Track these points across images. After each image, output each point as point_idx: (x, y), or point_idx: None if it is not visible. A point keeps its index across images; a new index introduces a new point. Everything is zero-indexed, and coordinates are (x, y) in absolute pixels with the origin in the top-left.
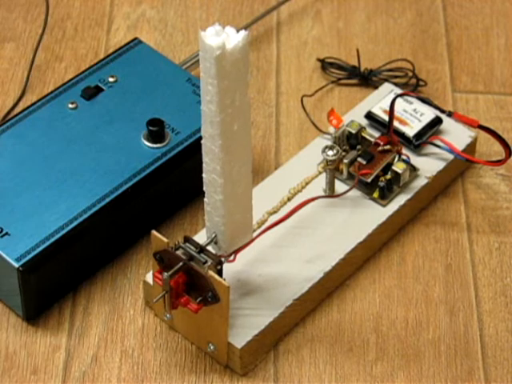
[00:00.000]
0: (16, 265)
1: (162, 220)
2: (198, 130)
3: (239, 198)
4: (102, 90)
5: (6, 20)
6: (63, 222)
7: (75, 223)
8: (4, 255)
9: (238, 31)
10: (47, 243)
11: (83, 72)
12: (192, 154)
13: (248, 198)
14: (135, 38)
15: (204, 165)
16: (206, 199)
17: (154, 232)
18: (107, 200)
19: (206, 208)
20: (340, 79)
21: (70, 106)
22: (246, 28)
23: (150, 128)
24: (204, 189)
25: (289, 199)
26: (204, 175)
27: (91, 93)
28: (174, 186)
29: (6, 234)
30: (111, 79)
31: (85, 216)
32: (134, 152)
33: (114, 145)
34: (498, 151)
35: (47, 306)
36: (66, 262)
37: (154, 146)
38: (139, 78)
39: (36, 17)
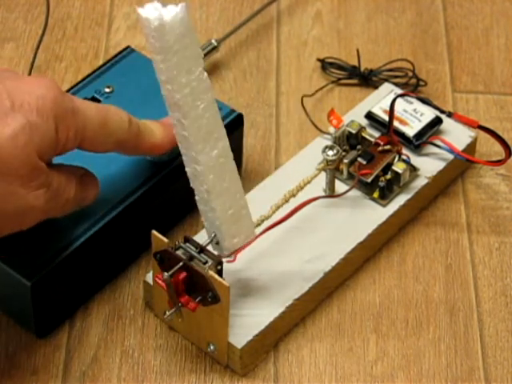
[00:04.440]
0: (28, 283)
1: (168, 228)
2: None
3: (225, 189)
4: (98, 101)
5: (6, 20)
6: (72, 238)
7: (84, 238)
8: (15, 273)
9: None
10: (57, 259)
11: (78, 83)
12: None
13: (236, 191)
14: (127, 47)
15: (183, 157)
16: (196, 197)
17: (154, 232)
18: (114, 213)
19: (199, 207)
20: (340, 79)
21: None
22: (244, 23)
23: None
24: (191, 185)
25: (286, 200)
26: (186, 169)
27: None
28: (177, 194)
29: (16, 251)
30: (107, 89)
31: (93, 230)
32: (137, 163)
33: (116, 157)
34: (498, 151)
35: (59, 322)
36: (77, 277)
37: (157, 156)
38: (135, 86)
39: (36, 17)
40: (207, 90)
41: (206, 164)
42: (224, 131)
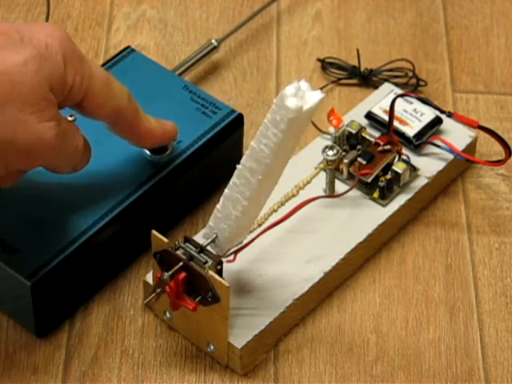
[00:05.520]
0: (28, 282)
1: (168, 228)
2: (200, 138)
3: (254, 215)
4: None
5: (6, 20)
6: (72, 237)
7: (84, 238)
8: (15, 273)
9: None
10: (58, 259)
11: None
12: (195, 162)
13: (260, 209)
14: (128, 47)
15: (231, 183)
16: (218, 206)
17: (154, 232)
18: (114, 213)
19: (215, 213)
20: (340, 79)
21: (69, 118)
22: (244, 23)
23: None
24: (221, 198)
25: (286, 200)
26: (227, 190)
27: None
28: (178, 194)
29: (16, 251)
30: None
31: (93, 230)
32: (138, 163)
33: (116, 157)
34: (497, 151)
35: (59, 322)
36: (78, 277)
37: (158, 156)
38: (135, 87)
39: (36, 17)
40: (291, 152)
41: (252, 203)
42: (281, 176)
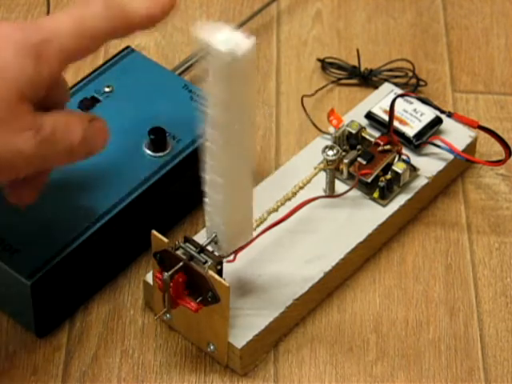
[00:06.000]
0: (28, 282)
1: (169, 227)
2: (200, 137)
3: (240, 198)
4: (98, 100)
5: (6, 20)
6: (72, 237)
7: (84, 237)
8: (15, 273)
9: (240, 31)
10: (57, 259)
11: (78, 83)
12: (195, 161)
13: (248, 199)
14: (128, 47)
15: (204, 164)
16: (206, 199)
17: (154, 232)
18: (114, 212)
19: (206, 208)
20: (340, 79)
21: (107, 89)
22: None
23: (152, 137)
24: (204, 189)
25: (286, 200)
26: (204, 175)
27: (88, 104)
28: (178, 193)
29: (16, 250)
30: (107, 89)
31: (93, 229)
32: (138, 162)
33: (116, 156)
34: (498, 151)
35: (59, 322)
36: (77, 276)
37: (157, 154)
38: (135, 86)
39: (36, 17)
40: (249, 112)
41: (229, 178)
42: (253, 148)
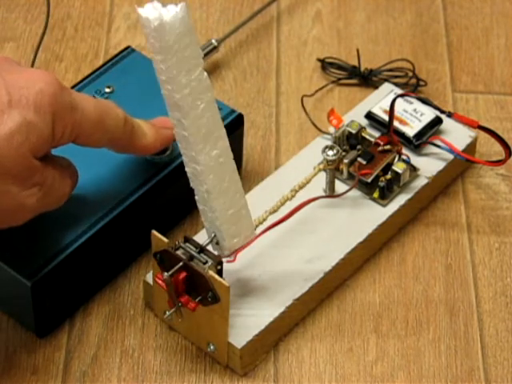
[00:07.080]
0: (28, 282)
1: (168, 228)
2: None
3: (225, 189)
4: None
5: (6, 20)
6: (72, 237)
7: (84, 238)
8: (15, 273)
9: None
10: (58, 259)
11: (78, 83)
12: None
13: (236, 191)
14: (128, 47)
15: (183, 156)
16: (196, 197)
17: (154, 232)
18: (115, 213)
19: (199, 207)
20: (340, 79)
21: (107, 90)
22: (244, 23)
23: None
24: (191, 185)
25: (286, 200)
26: (186, 169)
27: None
28: (178, 194)
29: (16, 251)
30: (108, 89)
31: (94, 230)
32: (138, 164)
33: (116, 158)
34: (498, 151)
35: (59, 322)
36: (77, 277)
37: (158, 156)
38: (135, 86)
39: (36, 17)
40: (207, 90)
41: (206, 164)
42: (224, 131)
